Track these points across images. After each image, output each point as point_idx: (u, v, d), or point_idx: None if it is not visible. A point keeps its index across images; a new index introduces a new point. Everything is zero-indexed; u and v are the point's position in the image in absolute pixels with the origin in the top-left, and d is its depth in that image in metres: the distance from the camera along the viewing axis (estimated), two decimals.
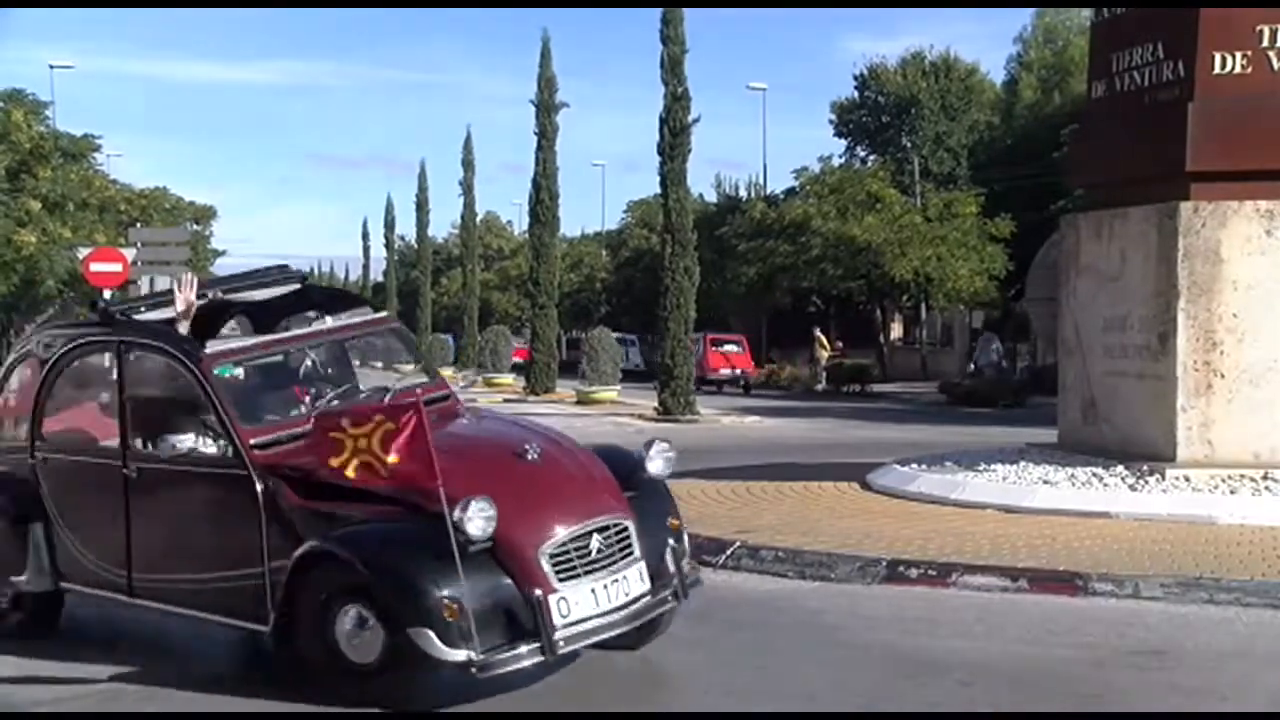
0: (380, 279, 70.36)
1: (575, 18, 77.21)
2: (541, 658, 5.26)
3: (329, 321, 6.85)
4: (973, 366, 31.14)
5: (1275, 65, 9.78)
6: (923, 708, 5.23)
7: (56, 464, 6.69)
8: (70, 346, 6.78)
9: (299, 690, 5.63)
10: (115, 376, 6.51)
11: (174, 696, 5.69)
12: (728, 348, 34.43)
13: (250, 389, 6.38)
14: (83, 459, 6.63)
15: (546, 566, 5.39)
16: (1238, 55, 9.82)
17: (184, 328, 6.42)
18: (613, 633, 5.55)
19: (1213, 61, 9.84)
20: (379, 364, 7.51)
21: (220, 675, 6.09)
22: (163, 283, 22.38)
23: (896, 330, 43.49)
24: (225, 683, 5.94)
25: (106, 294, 19.72)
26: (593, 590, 5.49)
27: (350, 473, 5.45)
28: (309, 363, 6.81)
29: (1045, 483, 9.90)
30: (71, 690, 5.80)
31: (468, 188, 43.58)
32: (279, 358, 6.66)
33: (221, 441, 5.94)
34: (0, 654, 6.40)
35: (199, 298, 6.62)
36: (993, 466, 10.62)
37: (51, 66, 37.32)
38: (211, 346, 6.19)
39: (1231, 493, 9.21)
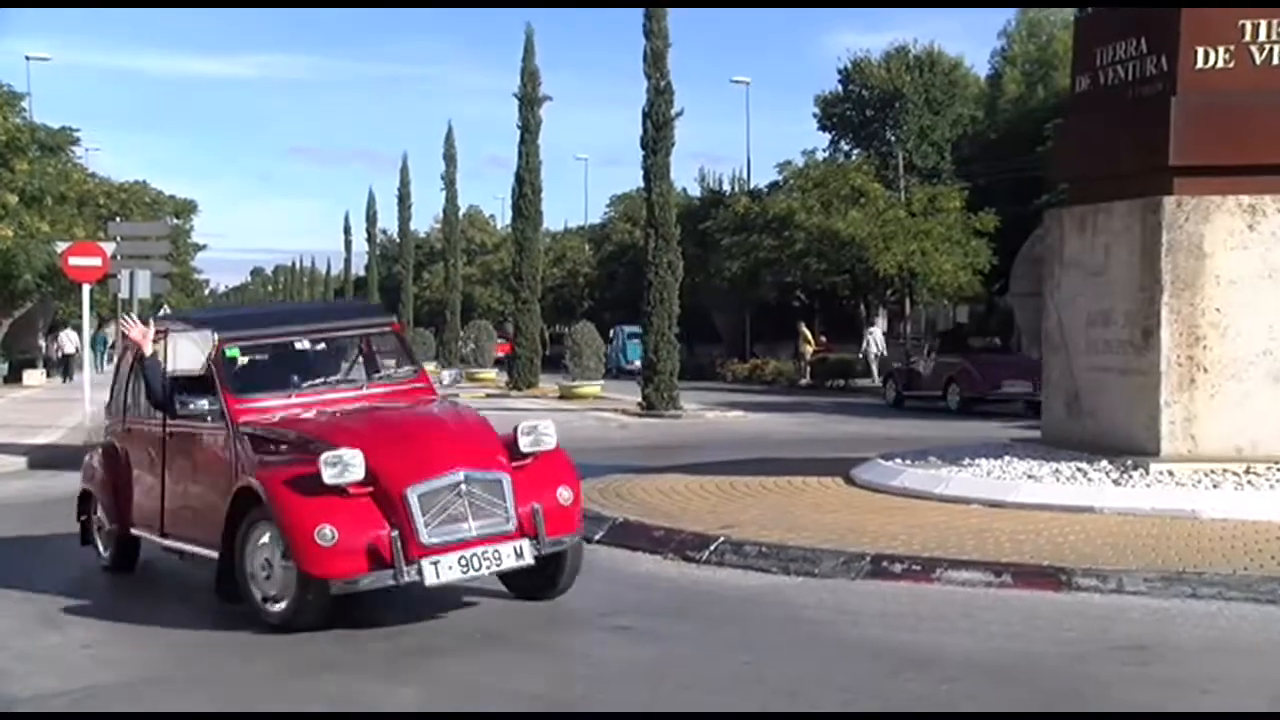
0: (362, 273, 70.06)
1: (558, 11, 77.21)
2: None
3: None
4: (860, 356, 33.53)
5: (1257, 60, 9.79)
6: (907, 703, 5.20)
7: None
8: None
9: (300, 689, 5.57)
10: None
11: (176, 697, 5.63)
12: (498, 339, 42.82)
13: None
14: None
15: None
16: (1220, 50, 9.82)
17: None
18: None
19: (1195, 56, 9.84)
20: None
21: (222, 674, 6.03)
22: (143, 277, 21.91)
23: (881, 325, 43.51)
24: (226, 681, 5.88)
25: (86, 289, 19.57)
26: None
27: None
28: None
29: (1029, 477, 9.90)
30: (73, 687, 5.74)
31: (450, 182, 43.40)
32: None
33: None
34: (7, 653, 6.35)
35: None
36: (977, 461, 10.61)
37: (28, 58, 37.00)
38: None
39: (1214, 487, 9.22)
